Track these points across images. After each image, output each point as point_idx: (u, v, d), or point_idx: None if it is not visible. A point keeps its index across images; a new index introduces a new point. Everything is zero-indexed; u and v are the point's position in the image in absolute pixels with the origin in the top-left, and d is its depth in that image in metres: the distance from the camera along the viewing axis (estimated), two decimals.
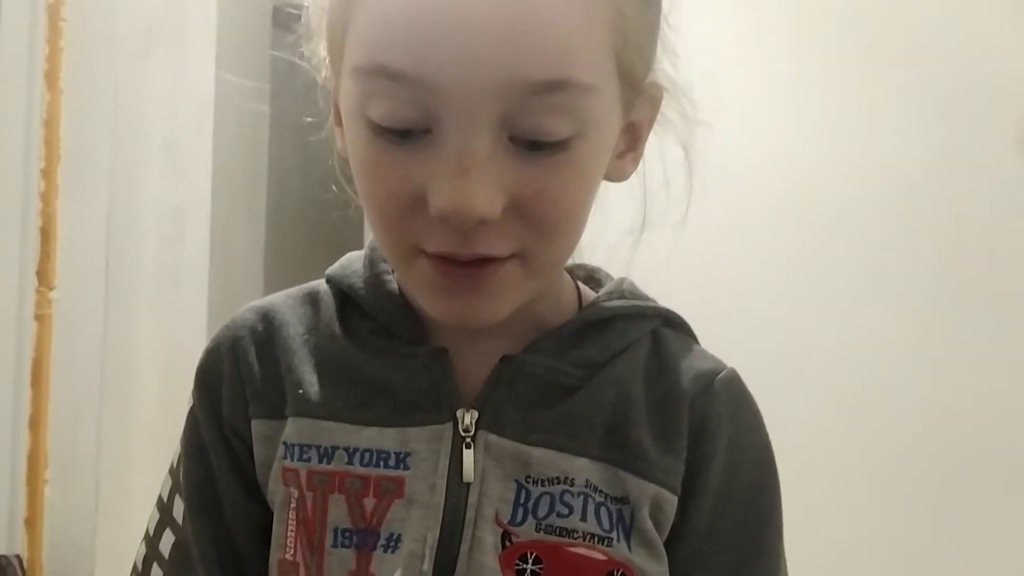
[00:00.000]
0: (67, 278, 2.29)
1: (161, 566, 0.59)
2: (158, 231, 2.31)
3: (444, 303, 0.52)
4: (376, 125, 0.49)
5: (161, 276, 2.31)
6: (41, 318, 2.29)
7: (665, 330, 0.60)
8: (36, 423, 2.29)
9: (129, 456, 2.26)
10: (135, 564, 0.61)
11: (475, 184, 0.47)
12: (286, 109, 2.40)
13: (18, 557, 2.20)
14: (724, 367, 0.59)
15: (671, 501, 0.55)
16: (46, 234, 2.29)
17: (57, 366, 2.29)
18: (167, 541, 0.59)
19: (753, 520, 0.57)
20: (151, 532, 0.60)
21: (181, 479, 0.60)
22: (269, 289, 0.64)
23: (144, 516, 2.31)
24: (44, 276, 2.29)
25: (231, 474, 0.58)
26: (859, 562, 1.55)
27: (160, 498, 0.61)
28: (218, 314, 2.31)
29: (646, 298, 0.62)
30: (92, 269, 2.26)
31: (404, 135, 0.49)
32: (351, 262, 0.60)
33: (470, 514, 0.52)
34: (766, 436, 0.59)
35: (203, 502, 0.59)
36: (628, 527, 0.53)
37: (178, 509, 0.59)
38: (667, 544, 0.55)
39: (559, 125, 0.48)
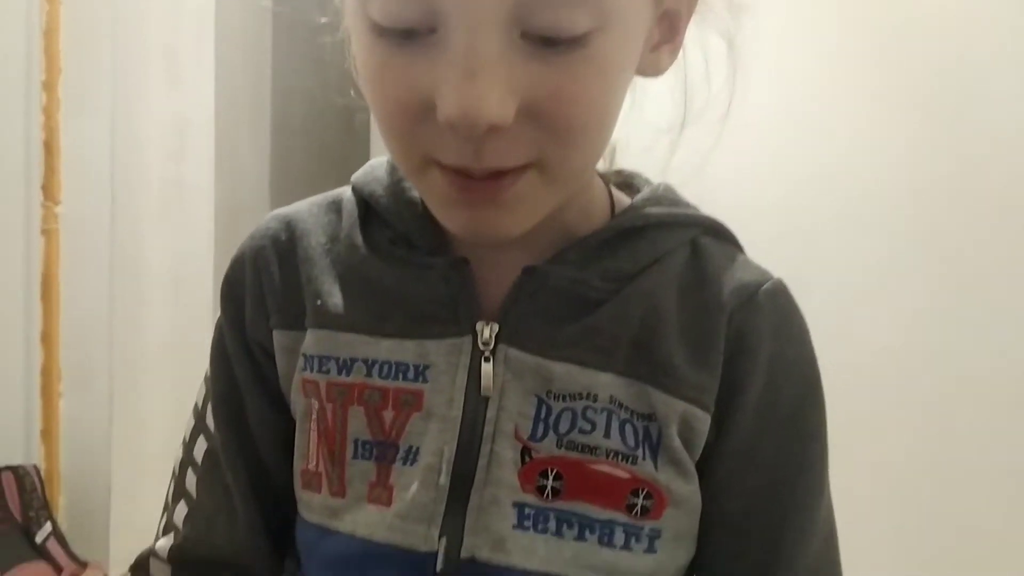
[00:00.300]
0: (72, 192, 2.27)
1: (195, 471, 0.59)
2: (162, 143, 2.28)
3: (459, 217, 0.49)
4: (378, 25, 0.45)
5: (167, 188, 2.29)
6: (48, 233, 2.28)
7: (706, 239, 0.57)
8: (48, 337, 2.30)
9: (141, 367, 2.28)
10: (174, 469, 0.61)
11: (484, 87, 0.43)
12: (290, 11, 2.35)
13: (35, 467, 2.24)
14: (770, 278, 0.56)
15: (702, 419, 0.52)
16: (49, 148, 2.27)
17: (66, 281, 2.30)
18: (200, 447, 0.59)
19: (794, 439, 0.54)
20: (187, 439, 0.60)
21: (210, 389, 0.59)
22: (275, 200, 0.62)
23: (157, 425, 2.33)
24: (49, 191, 2.27)
25: (254, 385, 0.58)
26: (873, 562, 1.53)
27: (196, 405, 0.60)
28: (225, 225, 2.30)
29: (686, 205, 0.58)
30: (97, 183, 2.24)
31: (408, 36, 0.45)
32: (374, 168, 0.58)
33: (488, 429, 0.51)
34: (812, 352, 0.56)
35: (229, 412, 0.58)
36: (655, 445, 0.51)
37: (211, 417, 0.59)
38: (703, 463, 0.53)
39: (575, 19, 0.44)
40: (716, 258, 0.56)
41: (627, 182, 0.59)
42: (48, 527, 2.19)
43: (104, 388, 2.25)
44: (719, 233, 0.58)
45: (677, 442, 0.52)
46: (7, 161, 2.23)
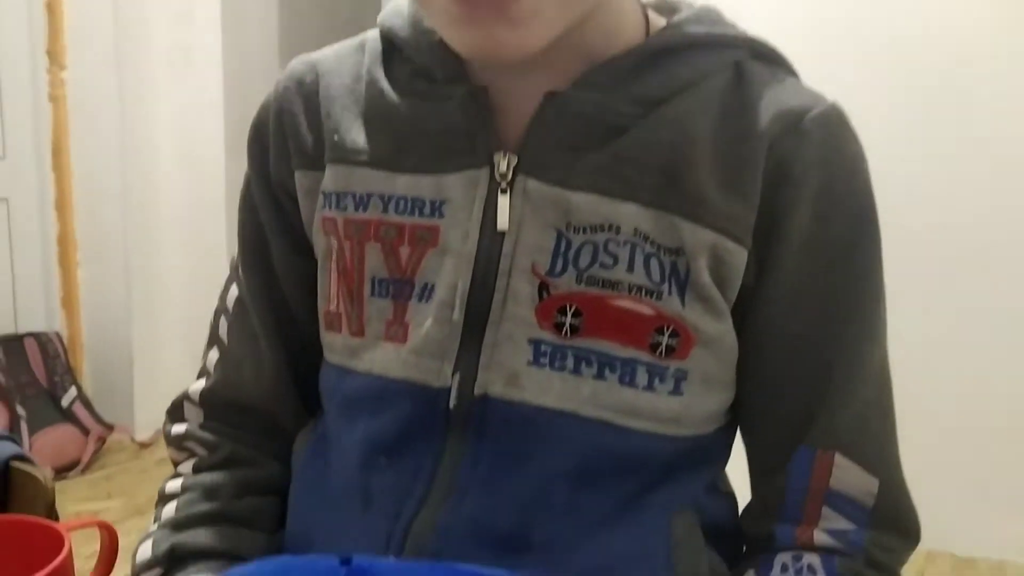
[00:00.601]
0: (78, 56, 2.23)
1: (227, 318, 0.59)
2: (167, 5, 2.22)
3: (465, 34, 0.45)
4: None
5: (174, 52, 2.24)
6: (55, 99, 2.25)
7: (752, 62, 0.51)
8: (62, 206, 2.30)
9: (156, 232, 2.28)
10: (211, 318, 0.61)
11: None
12: None
13: (57, 334, 2.28)
14: (822, 104, 0.50)
15: (735, 252, 0.48)
16: (53, 10, 2.21)
17: (77, 148, 2.28)
18: (232, 295, 0.58)
19: (844, 278, 0.50)
20: (223, 289, 0.60)
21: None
22: (285, 61, 0.60)
23: (173, 290, 2.33)
24: (55, 55, 2.23)
25: (279, 229, 0.56)
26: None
27: (233, 257, 0.60)
28: (234, 88, 2.26)
29: (730, 25, 0.53)
30: (102, 46, 2.19)
31: None
32: (397, 4, 0.55)
33: (504, 264, 0.48)
34: (867, 184, 0.51)
35: (256, 258, 0.57)
36: (683, 280, 0.48)
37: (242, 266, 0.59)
38: (742, 304, 0.50)
39: None
40: (761, 82, 0.50)
41: (667, 5, 0.54)
42: (73, 391, 2.23)
43: (120, 255, 2.26)
44: (768, 56, 0.52)
45: (706, 278, 0.48)
46: (10, 25, 2.18)
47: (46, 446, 2.11)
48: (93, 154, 2.25)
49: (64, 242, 2.31)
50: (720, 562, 0.52)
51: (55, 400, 2.20)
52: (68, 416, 2.20)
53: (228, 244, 2.01)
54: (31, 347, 2.22)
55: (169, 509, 0.54)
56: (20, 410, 2.13)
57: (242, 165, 0.59)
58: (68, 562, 0.48)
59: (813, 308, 0.50)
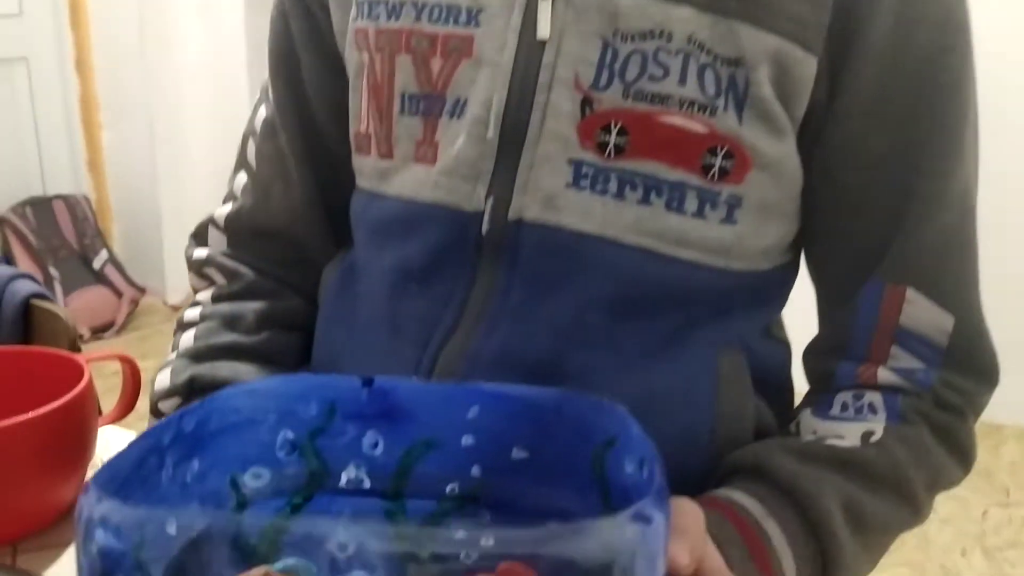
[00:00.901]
0: None
1: (254, 140, 0.56)
2: None
3: None
4: None
5: None
6: None
7: None
8: (82, 66, 2.25)
9: (178, 92, 2.23)
10: (239, 144, 0.59)
11: None
12: None
13: (86, 197, 2.27)
14: None
15: (803, 61, 0.43)
16: None
17: (94, 5, 2.22)
18: (261, 116, 0.56)
19: (928, 95, 0.45)
20: (252, 112, 0.57)
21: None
22: None
23: (198, 150, 2.28)
24: None
25: (310, 42, 0.53)
26: None
27: (265, 80, 0.57)
28: None
29: None
30: None
31: None
32: None
33: (544, 76, 0.44)
34: None
35: (286, 72, 0.54)
36: (741, 95, 0.43)
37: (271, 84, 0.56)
38: (812, 123, 0.45)
39: None
40: None
41: None
42: (104, 254, 2.24)
43: (143, 115, 2.22)
44: None
45: (768, 91, 0.43)
46: None
47: (81, 307, 2.13)
48: (111, 10, 2.19)
49: (86, 103, 2.28)
50: (767, 410, 0.48)
51: (87, 262, 2.21)
52: (101, 278, 2.22)
53: (250, 100, 1.96)
54: (60, 209, 2.21)
55: (187, 338, 0.52)
56: (53, 271, 2.14)
57: (262, 16, 0.56)
58: (88, 390, 0.47)
59: (892, 126, 0.45)
